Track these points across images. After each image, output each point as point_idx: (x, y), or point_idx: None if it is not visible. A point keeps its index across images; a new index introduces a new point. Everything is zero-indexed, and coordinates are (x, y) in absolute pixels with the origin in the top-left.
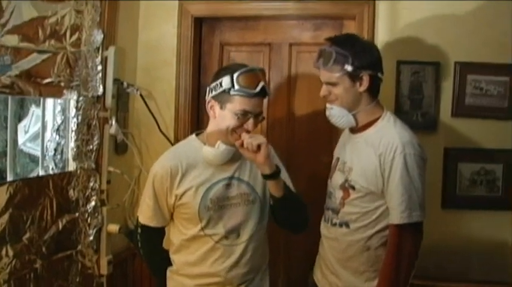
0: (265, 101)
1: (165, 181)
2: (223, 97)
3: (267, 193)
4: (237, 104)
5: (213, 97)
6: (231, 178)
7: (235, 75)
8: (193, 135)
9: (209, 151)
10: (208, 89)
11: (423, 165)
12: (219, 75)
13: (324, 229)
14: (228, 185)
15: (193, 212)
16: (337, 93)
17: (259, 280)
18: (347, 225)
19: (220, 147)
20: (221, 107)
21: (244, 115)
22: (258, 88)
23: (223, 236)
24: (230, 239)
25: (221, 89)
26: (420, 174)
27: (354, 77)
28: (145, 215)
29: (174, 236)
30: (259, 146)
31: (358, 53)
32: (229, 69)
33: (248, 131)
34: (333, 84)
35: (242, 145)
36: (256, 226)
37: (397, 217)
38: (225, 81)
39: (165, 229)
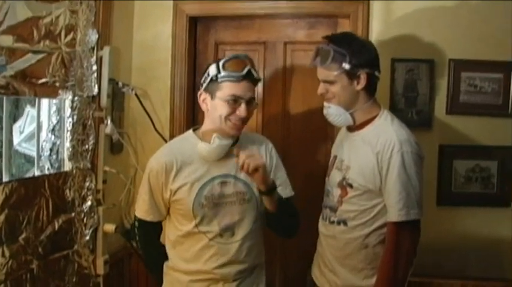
0: (258, 89)
1: (160, 176)
2: (212, 86)
3: None
4: (226, 89)
5: (204, 90)
6: (228, 175)
7: (220, 63)
8: (191, 131)
9: (203, 147)
10: (200, 86)
11: (420, 163)
12: (207, 68)
13: (322, 227)
14: (224, 183)
15: (187, 208)
16: (334, 91)
17: (255, 277)
18: (345, 223)
19: (215, 142)
20: (212, 97)
21: (235, 101)
22: (245, 71)
23: (218, 234)
24: (225, 237)
25: (209, 79)
26: (417, 172)
27: (351, 75)
28: (141, 210)
29: (170, 232)
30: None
31: (356, 51)
32: (215, 60)
33: (242, 119)
34: (331, 82)
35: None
36: (252, 225)
37: (395, 214)
38: (212, 69)
39: (162, 223)
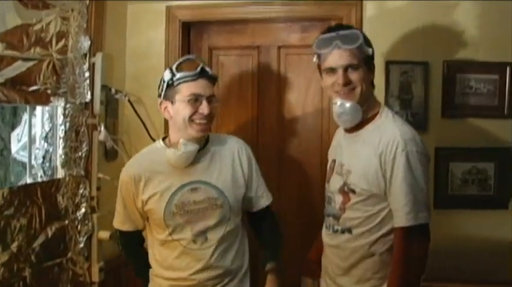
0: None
1: (130, 187)
2: (170, 92)
3: (238, 196)
4: (184, 90)
5: (163, 98)
6: (198, 181)
7: (173, 66)
8: (160, 140)
9: (171, 153)
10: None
11: (427, 163)
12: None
13: (326, 236)
14: (194, 190)
15: (159, 217)
16: (358, 79)
17: (238, 283)
18: (349, 231)
19: (181, 148)
20: (172, 103)
21: (195, 100)
22: (198, 69)
23: (191, 241)
24: (198, 243)
25: (165, 85)
26: (424, 172)
27: (369, 63)
28: (117, 220)
29: (151, 241)
30: None
31: (368, 41)
32: (168, 67)
33: (206, 117)
34: (356, 67)
35: None
36: (225, 229)
37: (402, 219)
38: (166, 75)
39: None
